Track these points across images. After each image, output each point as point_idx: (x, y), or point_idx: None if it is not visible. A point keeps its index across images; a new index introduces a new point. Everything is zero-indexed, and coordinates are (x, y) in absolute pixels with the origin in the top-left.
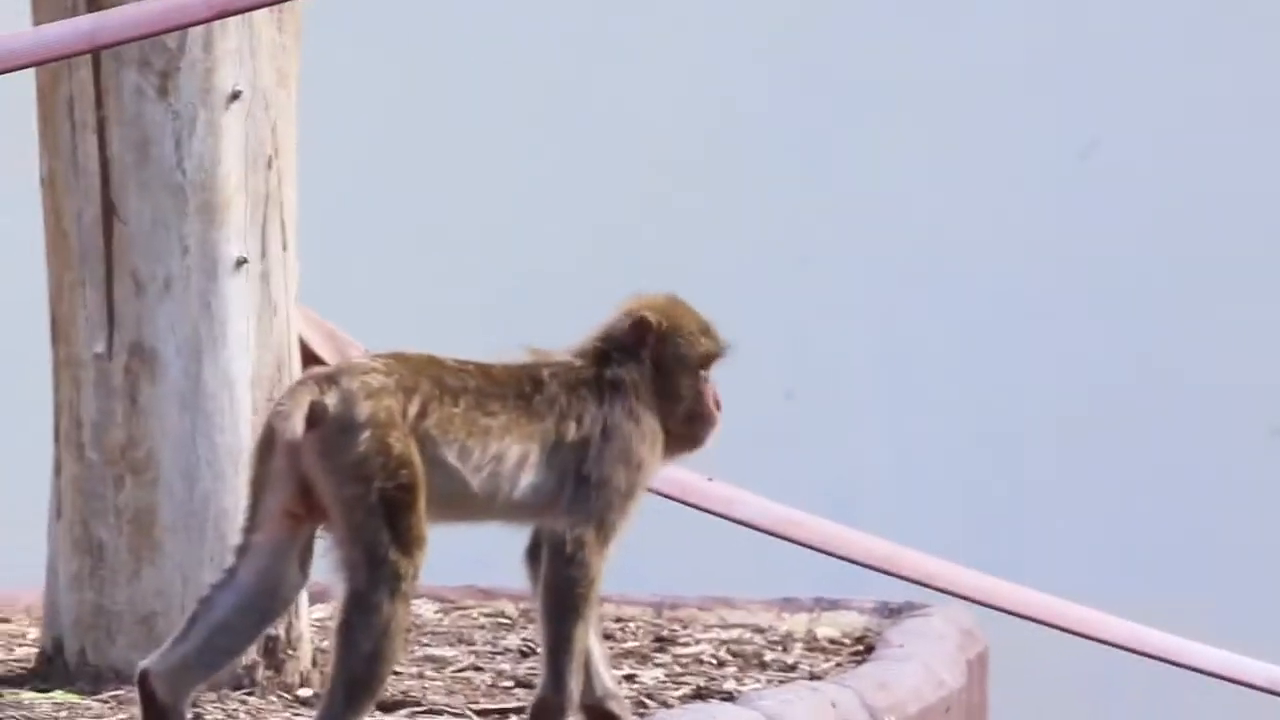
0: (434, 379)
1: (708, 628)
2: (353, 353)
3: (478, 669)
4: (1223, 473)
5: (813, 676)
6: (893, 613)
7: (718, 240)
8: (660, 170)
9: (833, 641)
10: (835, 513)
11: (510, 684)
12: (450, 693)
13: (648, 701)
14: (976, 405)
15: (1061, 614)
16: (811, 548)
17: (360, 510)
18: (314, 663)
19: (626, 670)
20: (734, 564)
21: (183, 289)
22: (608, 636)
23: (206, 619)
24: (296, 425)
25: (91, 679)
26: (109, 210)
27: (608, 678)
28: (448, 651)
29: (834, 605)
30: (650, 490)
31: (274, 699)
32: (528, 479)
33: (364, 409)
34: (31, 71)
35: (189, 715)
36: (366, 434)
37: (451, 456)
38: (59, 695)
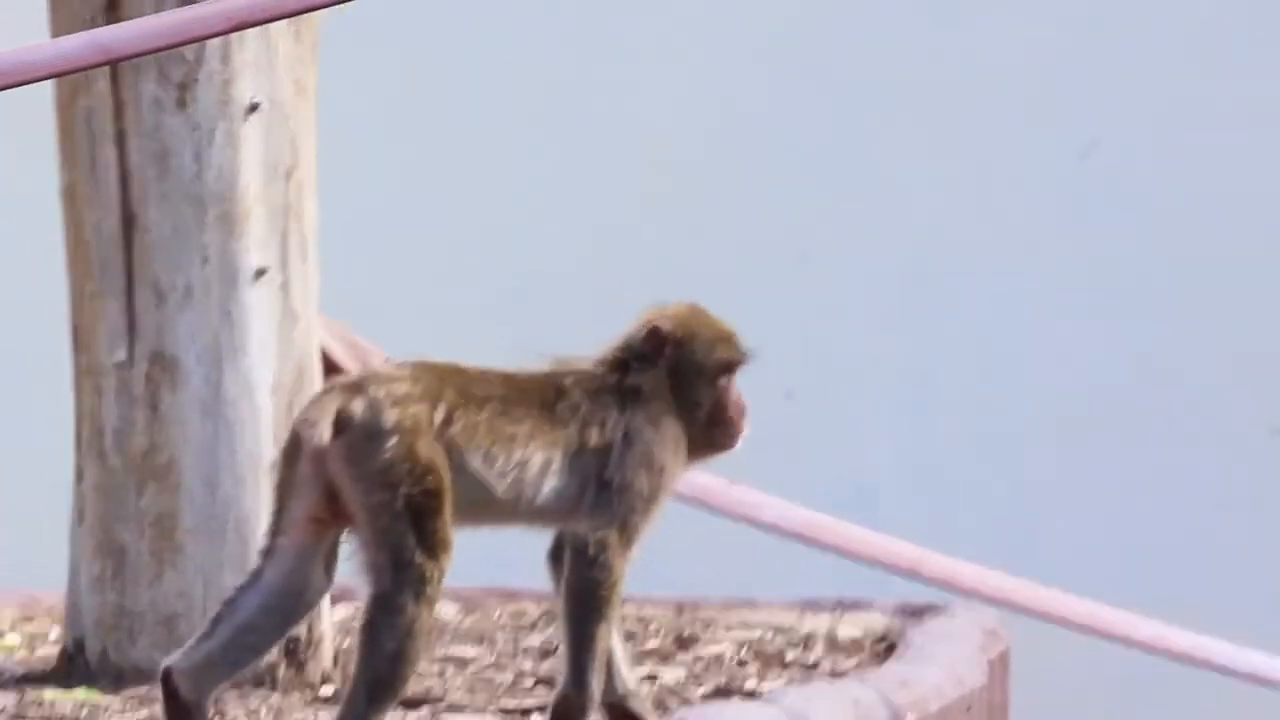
0: (459, 387)
1: (729, 628)
2: (374, 361)
3: (499, 668)
4: (1223, 473)
5: (835, 675)
6: (914, 613)
7: (718, 240)
8: (663, 170)
9: (854, 641)
10: (834, 513)
11: (531, 683)
12: (472, 691)
13: (669, 700)
14: (976, 405)
15: (1084, 614)
16: (835, 550)
17: (386, 516)
18: (335, 662)
19: (648, 669)
20: (755, 565)
21: (203, 298)
22: (629, 636)
23: (231, 619)
24: (323, 432)
25: (113, 679)
26: (129, 221)
27: (629, 677)
28: (470, 650)
29: (855, 606)
30: (674, 496)
31: (295, 697)
32: (551, 484)
33: (390, 416)
34: (50, 83)
35: (211, 713)
36: (393, 441)
37: (476, 463)
38: (80, 694)
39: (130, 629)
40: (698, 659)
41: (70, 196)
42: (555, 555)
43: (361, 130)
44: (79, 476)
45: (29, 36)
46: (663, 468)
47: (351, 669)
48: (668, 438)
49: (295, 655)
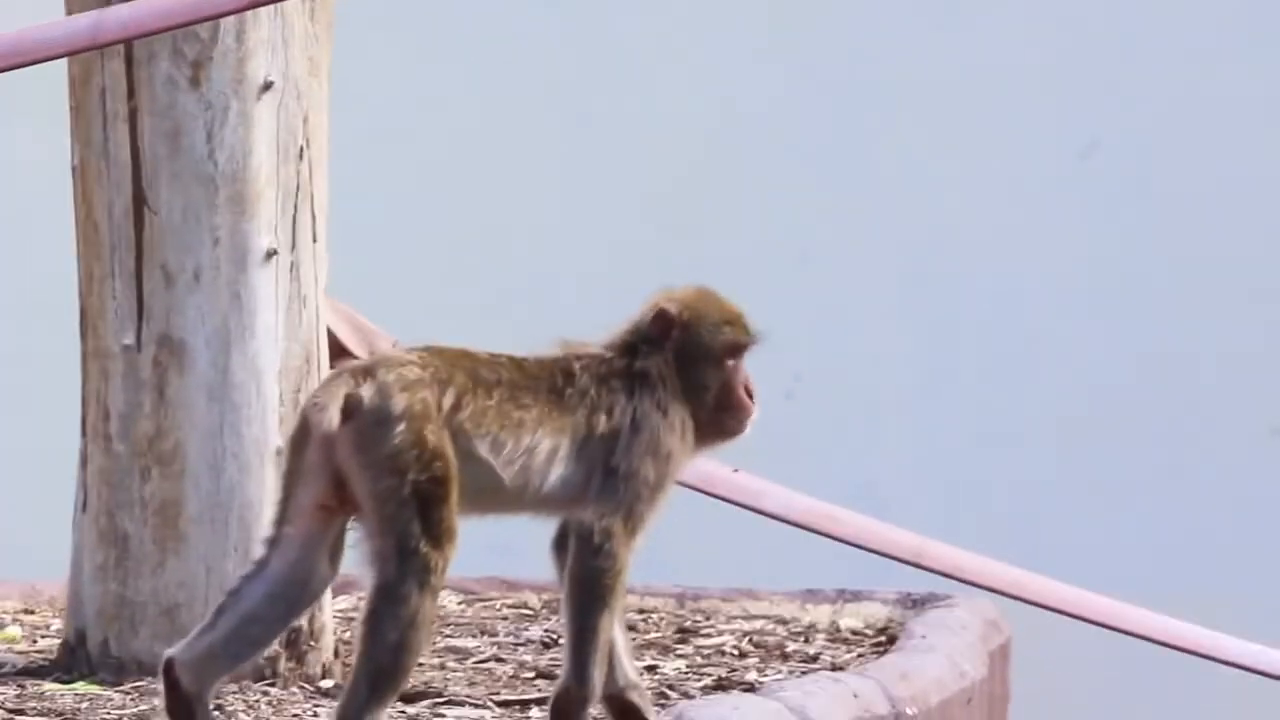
0: (468, 372)
1: (730, 619)
2: (381, 344)
3: (500, 660)
4: (1222, 473)
5: (835, 667)
6: (916, 604)
7: (722, 238)
8: (667, 167)
9: (855, 633)
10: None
11: (532, 675)
12: (472, 684)
13: (669, 692)
14: (976, 405)
15: (1086, 605)
16: (837, 540)
17: (393, 502)
18: (336, 654)
19: (649, 661)
20: (757, 555)
21: (212, 280)
22: (630, 628)
23: (235, 609)
24: (332, 417)
25: (114, 670)
26: (140, 201)
27: (630, 668)
28: (470, 643)
29: (857, 596)
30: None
31: (296, 690)
32: (558, 472)
33: (399, 401)
34: (63, 62)
35: (212, 706)
36: (402, 426)
37: (484, 449)
38: (80, 686)
39: (132, 619)
40: (698, 650)
41: (81, 176)
42: (560, 544)
43: (392, 122)
44: (83, 462)
45: (42, 14)
46: (670, 454)
47: (353, 660)
48: (675, 424)
49: (296, 647)
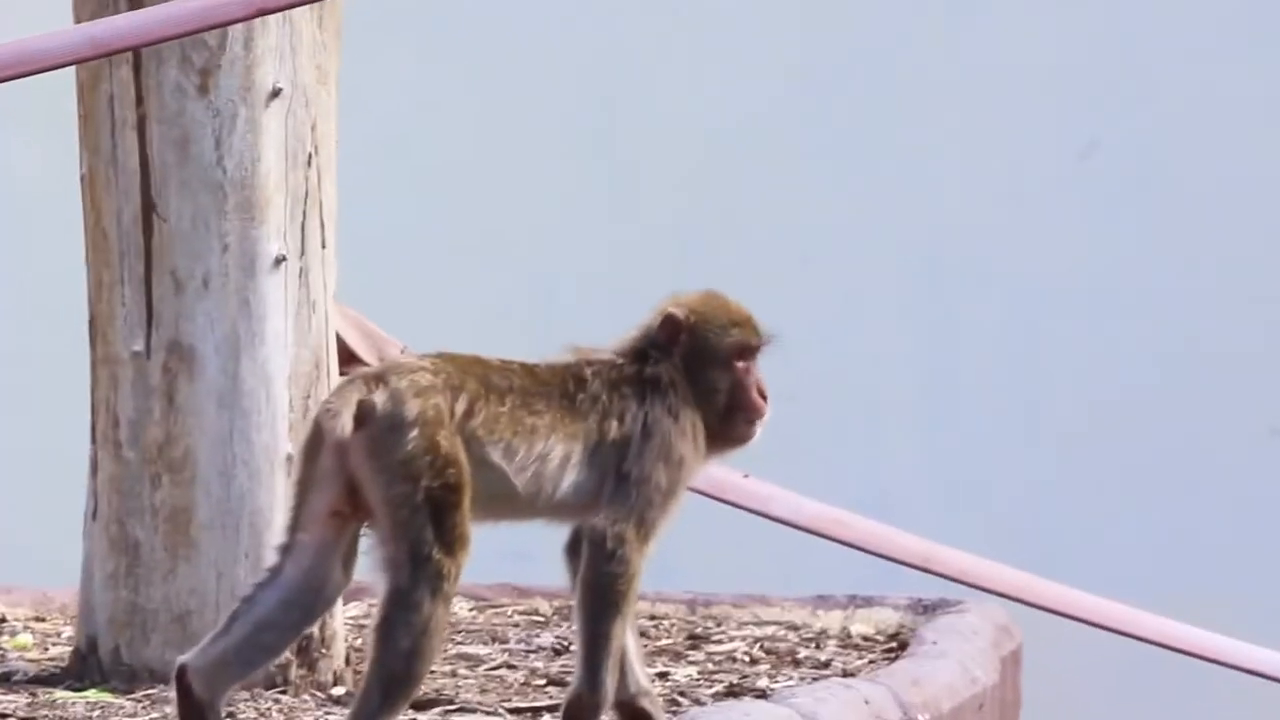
0: (480, 378)
1: (741, 625)
2: (390, 350)
3: (511, 667)
4: (1222, 473)
5: (846, 674)
6: (927, 609)
7: (724, 244)
8: (680, 171)
9: (866, 639)
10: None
11: (543, 682)
12: (483, 691)
13: (681, 699)
14: (980, 408)
15: (1097, 611)
16: (848, 545)
17: (406, 509)
18: (347, 661)
19: (660, 668)
20: (768, 562)
21: (221, 287)
22: (641, 634)
23: (248, 616)
24: (345, 424)
25: (126, 678)
26: (149, 208)
27: (641, 675)
28: (481, 649)
29: (868, 602)
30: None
31: (307, 697)
32: (570, 478)
33: (412, 407)
34: (71, 70)
35: (224, 713)
36: (415, 432)
37: (497, 456)
38: (92, 694)
39: (143, 626)
40: (710, 657)
41: (90, 183)
42: (573, 548)
43: (381, 118)
44: (94, 469)
45: (50, 22)
46: (681, 460)
47: (365, 668)
48: (686, 429)
49: (307, 654)
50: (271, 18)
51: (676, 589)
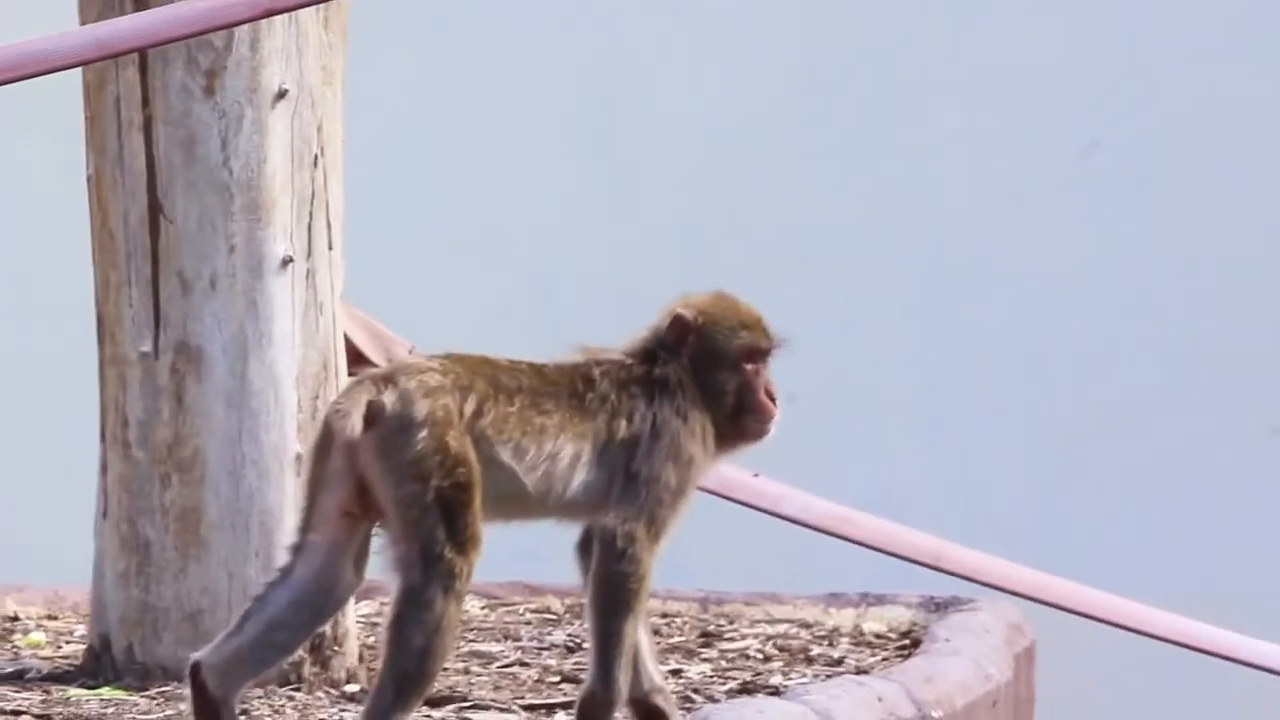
0: (489, 378)
1: (754, 623)
2: (398, 350)
3: (524, 664)
4: (1222, 473)
5: (859, 671)
6: (939, 607)
7: (728, 244)
8: (685, 169)
9: (879, 636)
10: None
11: (556, 679)
12: (496, 688)
13: (694, 696)
14: (975, 406)
15: (1109, 608)
16: (857, 543)
17: (416, 508)
18: (360, 659)
19: (673, 665)
20: (780, 560)
21: (228, 288)
22: (654, 632)
23: (260, 615)
24: (355, 424)
25: (138, 675)
26: (155, 209)
27: (654, 672)
28: (494, 647)
29: (880, 600)
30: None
31: (320, 695)
32: (580, 477)
33: (421, 407)
34: (78, 71)
35: (238, 710)
36: (424, 432)
37: (506, 455)
38: (105, 692)
39: (155, 625)
40: (723, 654)
41: (96, 184)
42: (584, 546)
43: (407, 129)
44: (103, 469)
45: (57, 22)
46: (691, 459)
47: (377, 665)
48: (695, 429)
49: (320, 652)
50: (278, 19)
51: (689, 587)
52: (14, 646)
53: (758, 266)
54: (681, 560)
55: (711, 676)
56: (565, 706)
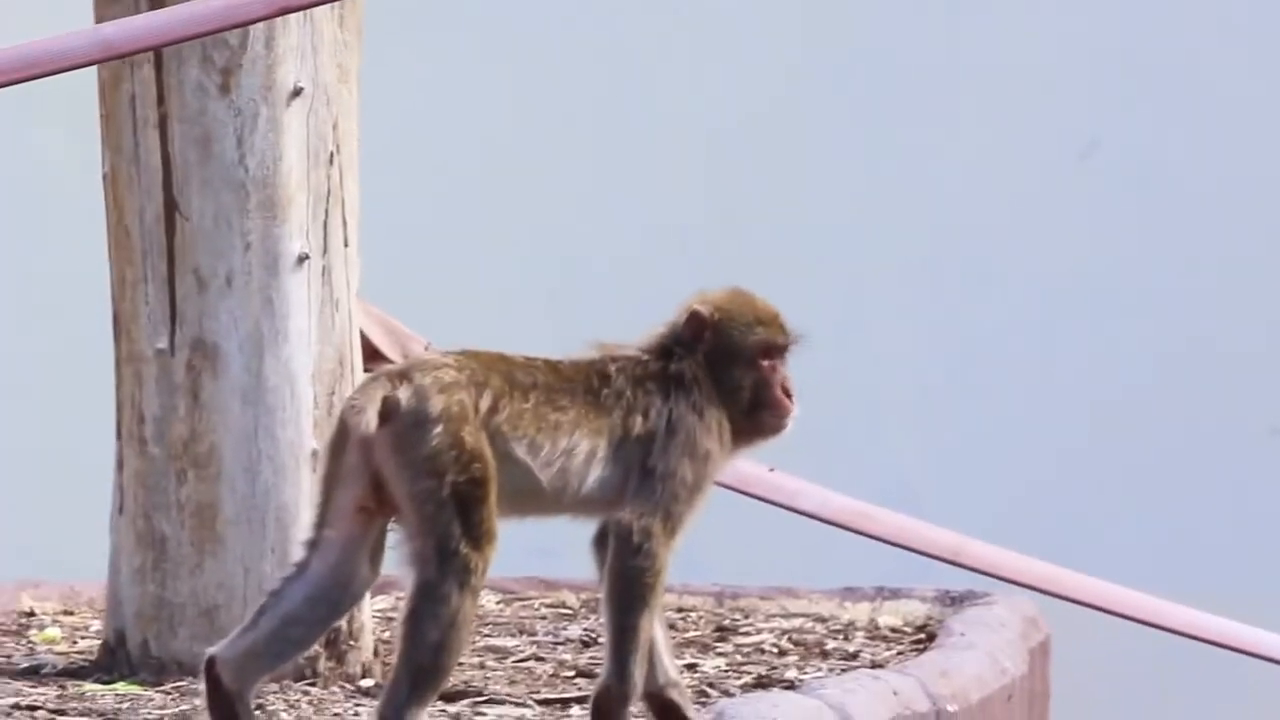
0: (504, 375)
1: (769, 617)
2: (413, 347)
3: (539, 659)
4: (1222, 472)
5: (874, 665)
6: (955, 601)
7: (735, 241)
8: (704, 162)
9: (894, 630)
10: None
11: (572, 674)
12: (512, 683)
13: (710, 691)
14: (974, 405)
15: (1125, 602)
16: (874, 538)
17: (432, 504)
18: (376, 654)
19: (688, 659)
20: (795, 554)
21: (244, 285)
22: (670, 626)
23: (275, 610)
24: (370, 420)
25: (154, 670)
26: (171, 207)
27: (670, 666)
28: (509, 642)
29: (895, 594)
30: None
31: (336, 689)
32: (596, 473)
33: (437, 403)
34: (93, 70)
35: (253, 705)
36: (439, 428)
37: (522, 451)
38: (121, 687)
39: (171, 620)
40: (738, 648)
41: (113, 182)
42: (600, 541)
43: (422, 126)
44: (119, 465)
45: (73, 21)
46: (707, 455)
47: (392, 660)
48: (711, 425)
49: (336, 646)
50: (292, 17)
51: (704, 581)
52: (29, 642)
53: (760, 265)
54: (697, 555)
55: (727, 671)
56: (580, 701)
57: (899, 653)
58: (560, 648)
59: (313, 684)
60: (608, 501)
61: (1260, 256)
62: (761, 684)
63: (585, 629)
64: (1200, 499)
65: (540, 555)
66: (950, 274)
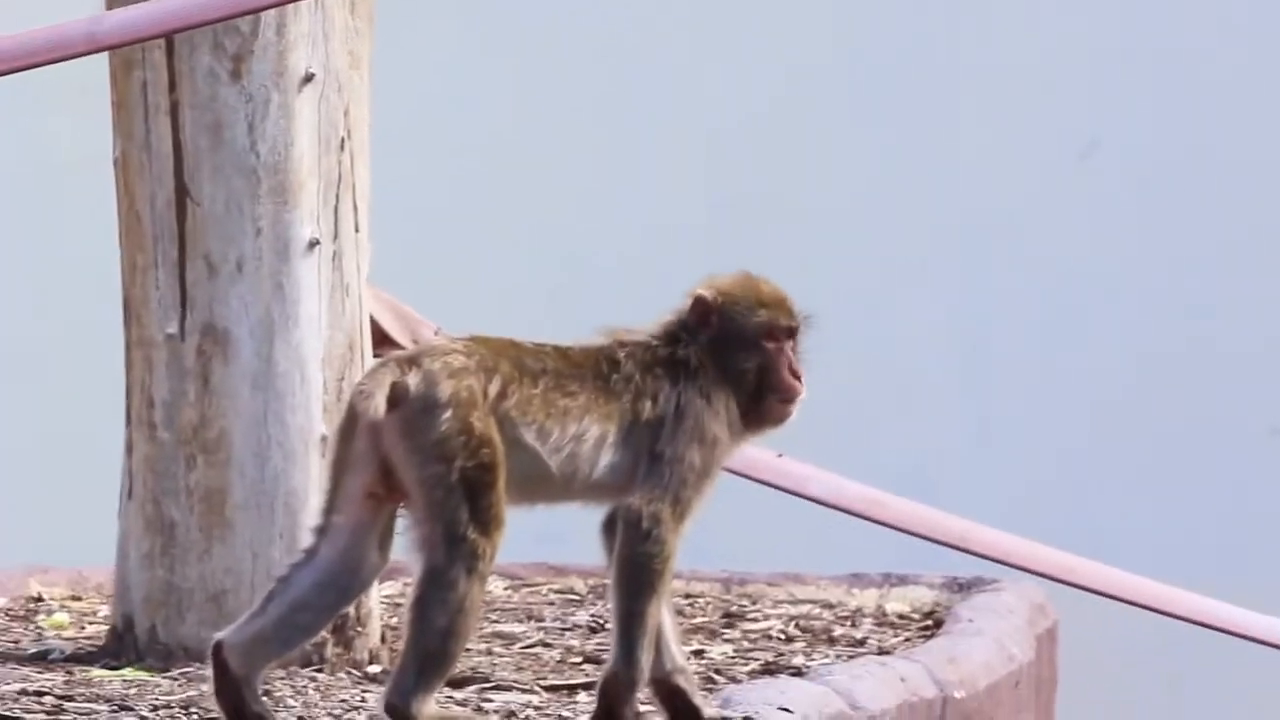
0: (513, 360)
1: (777, 603)
2: (424, 332)
3: (546, 645)
4: (1222, 472)
5: (882, 651)
6: (962, 588)
7: (742, 234)
8: (714, 152)
9: (902, 617)
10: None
11: (579, 660)
12: (519, 669)
13: (717, 676)
14: (974, 405)
15: (1133, 589)
16: (883, 524)
17: (440, 489)
18: (383, 640)
19: (696, 645)
20: (803, 540)
21: (255, 270)
22: (677, 612)
23: (284, 596)
24: (379, 405)
25: (162, 656)
26: (182, 193)
27: (677, 653)
28: (517, 628)
29: (903, 580)
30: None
31: (343, 675)
32: (605, 459)
33: (446, 388)
34: (104, 56)
35: (260, 691)
36: (448, 413)
37: (530, 437)
38: (129, 672)
39: (179, 606)
40: (745, 635)
41: (123, 168)
42: (609, 526)
43: (433, 112)
44: (129, 450)
45: (83, 9)
46: (715, 440)
47: (400, 646)
48: (719, 410)
49: (343, 632)
50: (304, 4)
51: (711, 567)
52: (38, 627)
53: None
54: (704, 541)
55: (734, 657)
56: (587, 687)
57: (906, 639)
58: (568, 633)
59: (320, 670)
60: (617, 487)
61: (1260, 256)
62: (769, 670)
63: (593, 615)
64: (1200, 499)
65: (548, 541)
66: (951, 271)
